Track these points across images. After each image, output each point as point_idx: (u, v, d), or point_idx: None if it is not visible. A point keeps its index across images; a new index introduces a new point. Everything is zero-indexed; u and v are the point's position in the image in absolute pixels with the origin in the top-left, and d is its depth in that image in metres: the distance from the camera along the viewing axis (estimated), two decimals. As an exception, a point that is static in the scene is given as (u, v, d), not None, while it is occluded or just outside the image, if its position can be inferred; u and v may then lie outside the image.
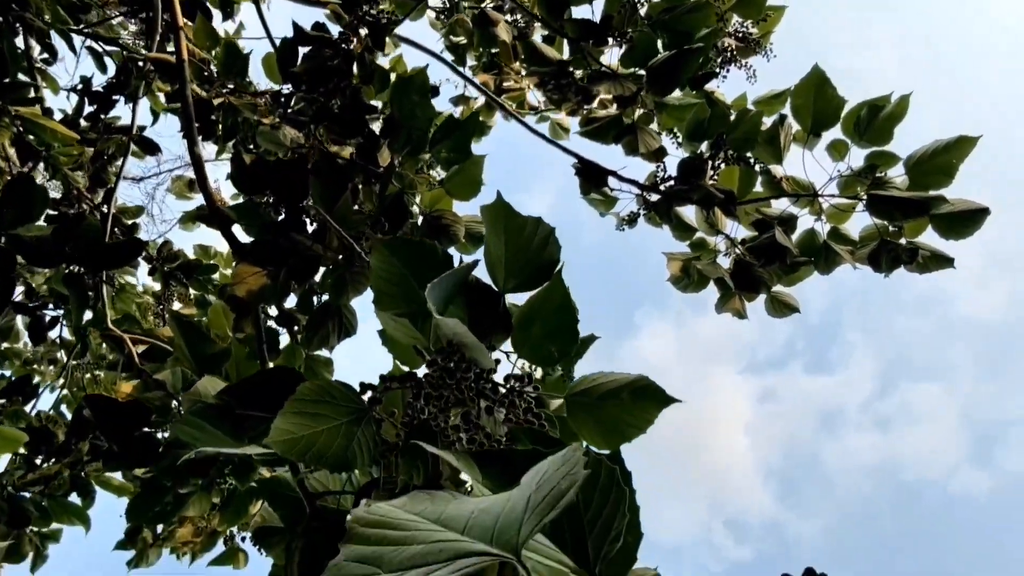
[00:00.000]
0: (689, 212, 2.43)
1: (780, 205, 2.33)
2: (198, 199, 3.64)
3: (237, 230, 1.66)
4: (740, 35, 2.26)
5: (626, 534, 0.65)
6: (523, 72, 2.48)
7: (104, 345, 2.49)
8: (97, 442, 2.11)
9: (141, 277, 3.10)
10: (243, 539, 2.46)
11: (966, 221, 2.11)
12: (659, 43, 1.64)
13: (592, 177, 2.08)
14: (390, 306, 0.85)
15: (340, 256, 1.62)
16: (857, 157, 2.22)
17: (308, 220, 1.74)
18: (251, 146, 2.00)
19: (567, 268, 0.83)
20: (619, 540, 0.64)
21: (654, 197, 2.14)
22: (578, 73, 2.08)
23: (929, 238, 2.23)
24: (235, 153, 1.77)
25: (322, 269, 1.76)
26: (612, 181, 2.19)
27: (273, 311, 2.21)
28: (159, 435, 2.13)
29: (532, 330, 0.85)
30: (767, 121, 2.19)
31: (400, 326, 0.86)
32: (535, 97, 2.79)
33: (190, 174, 3.81)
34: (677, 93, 1.86)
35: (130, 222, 2.94)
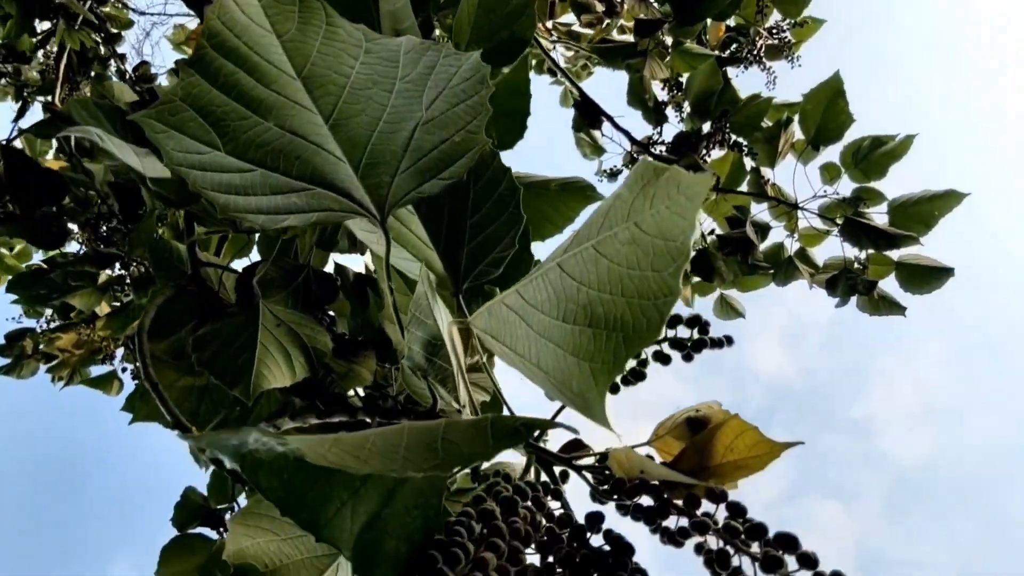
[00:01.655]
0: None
1: (756, 212, 2.30)
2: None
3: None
4: (774, 32, 2.23)
5: (508, 268, 0.58)
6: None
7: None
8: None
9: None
10: (123, 369, 2.34)
11: (929, 276, 2.11)
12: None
13: (589, 114, 2.03)
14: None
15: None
16: (845, 187, 2.22)
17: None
18: None
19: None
20: (497, 268, 0.58)
21: (641, 157, 2.09)
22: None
23: (890, 287, 2.23)
24: None
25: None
26: (605, 130, 2.14)
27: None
28: (67, 226, 2.01)
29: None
30: (769, 123, 2.18)
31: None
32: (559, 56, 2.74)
33: (193, 25, 3.67)
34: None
35: (115, 31, 2.81)
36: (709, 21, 2.16)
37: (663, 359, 0.57)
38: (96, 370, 2.42)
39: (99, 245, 1.89)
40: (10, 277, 1.95)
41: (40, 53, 2.76)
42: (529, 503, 0.47)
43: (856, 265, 2.21)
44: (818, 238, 2.28)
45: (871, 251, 2.15)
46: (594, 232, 0.36)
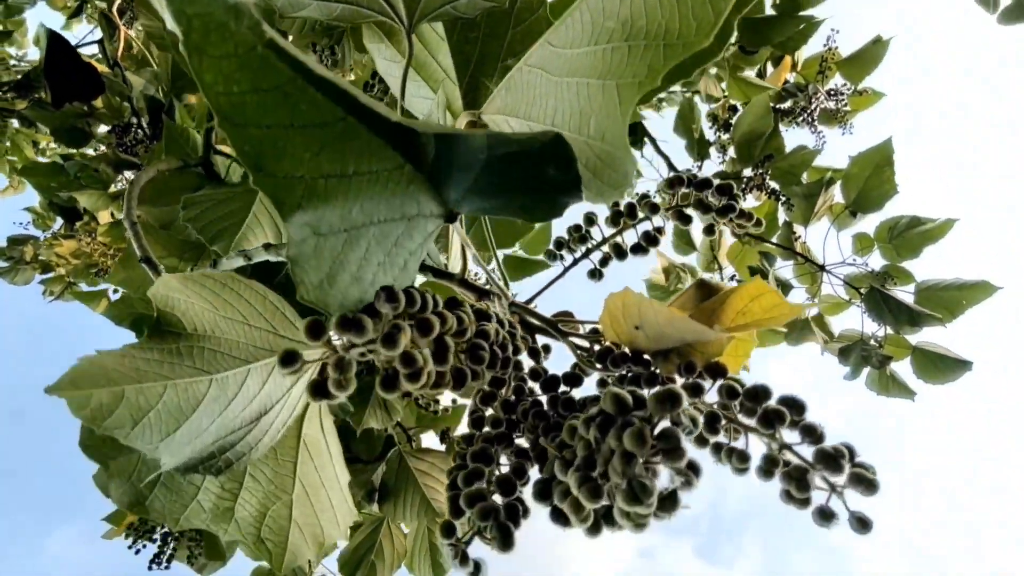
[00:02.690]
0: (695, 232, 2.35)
1: (779, 267, 2.25)
2: None
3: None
4: (834, 94, 2.21)
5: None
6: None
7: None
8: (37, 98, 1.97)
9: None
10: (115, 291, 2.30)
11: (946, 367, 2.04)
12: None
13: (632, 131, 2.00)
14: None
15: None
16: (874, 261, 2.17)
17: None
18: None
19: None
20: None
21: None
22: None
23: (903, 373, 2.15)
24: None
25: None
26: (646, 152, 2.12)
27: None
28: (93, 128, 1.99)
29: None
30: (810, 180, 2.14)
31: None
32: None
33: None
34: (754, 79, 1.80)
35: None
36: (770, 68, 2.15)
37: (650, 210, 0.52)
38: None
39: (121, 151, 1.86)
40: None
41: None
42: (496, 328, 0.41)
43: (872, 341, 2.15)
44: (839, 307, 2.22)
45: (889, 331, 2.09)
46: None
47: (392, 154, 0.31)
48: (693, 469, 0.30)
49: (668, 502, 0.30)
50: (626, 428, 0.29)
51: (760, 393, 0.37)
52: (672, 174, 0.48)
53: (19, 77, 2.03)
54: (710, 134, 2.24)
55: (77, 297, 2.31)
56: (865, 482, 0.35)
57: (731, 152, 2.21)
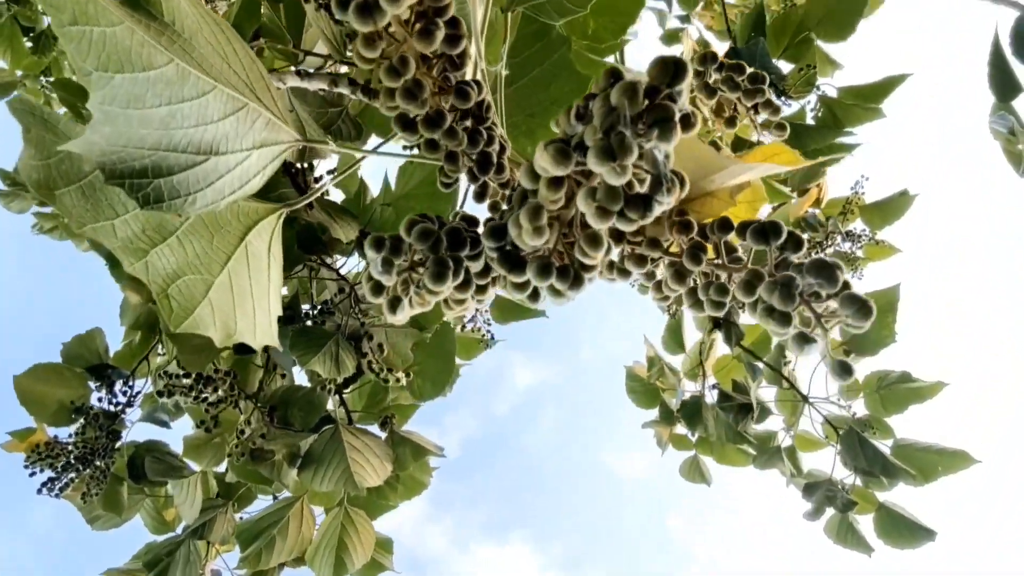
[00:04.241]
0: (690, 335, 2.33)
1: (761, 389, 2.21)
2: None
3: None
4: (851, 236, 2.24)
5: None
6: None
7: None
8: None
9: None
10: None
11: (909, 533, 1.95)
12: (810, 114, 1.63)
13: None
14: None
15: None
16: (858, 407, 2.13)
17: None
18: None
19: None
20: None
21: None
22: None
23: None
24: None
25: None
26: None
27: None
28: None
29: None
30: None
31: None
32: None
33: None
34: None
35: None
36: (794, 195, 2.18)
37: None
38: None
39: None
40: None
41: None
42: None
43: (840, 487, 2.07)
44: (814, 445, 2.16)
45: (858, 482, 2.02)
46: None
47: None
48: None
49: (637, 202, 0.26)
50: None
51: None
52: (705, 51, 0.46)
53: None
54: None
55: (67, 232, 2.27)
56: (858, 303, 0.31)
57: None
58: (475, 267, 0.35)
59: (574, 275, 0.30)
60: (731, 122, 0.46)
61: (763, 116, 0.46)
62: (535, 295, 0.37)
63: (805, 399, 2.08)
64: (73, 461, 1.36)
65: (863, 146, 1.96)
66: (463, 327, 1.88)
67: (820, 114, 1.59)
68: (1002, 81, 1.47)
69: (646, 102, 0.24)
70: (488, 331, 2.00)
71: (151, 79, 0.36)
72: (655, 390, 2.28)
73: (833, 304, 0.32)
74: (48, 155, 0.39)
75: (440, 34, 0.31)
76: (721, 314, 0.36)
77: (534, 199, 0.28)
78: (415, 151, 0.47)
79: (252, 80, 0.44)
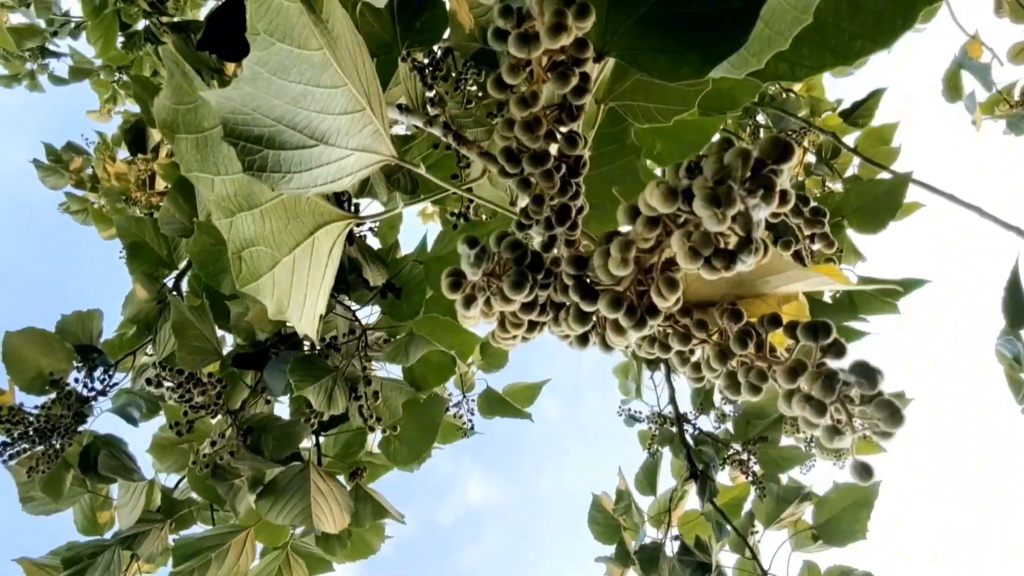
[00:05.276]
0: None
1: (722, 552, 2.16)
2: None
3: None
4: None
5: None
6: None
7: None
8: None
9: None
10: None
11: None
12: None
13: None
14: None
15: None
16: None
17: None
18: None
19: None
20: None
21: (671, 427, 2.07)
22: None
23: None
24: None
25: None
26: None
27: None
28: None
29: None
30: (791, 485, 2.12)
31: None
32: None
33: None
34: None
35: None
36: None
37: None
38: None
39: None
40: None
41: None
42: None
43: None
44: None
45: None
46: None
47: None
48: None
49: (724, 255, 0.28)
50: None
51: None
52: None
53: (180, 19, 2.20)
54: (718, 398, 2.27)
55: (94, 216, 2.31)
56: (891, 409, 0.33)
57: (729, 425, 2.24)
58: (541, 296, 0.37)
59: (640, 316, 0.32)
60: (787, 245, 0.49)
61: (817, 246, 0.50)
62: (583, 340, 0.39)
63: (764, 574, 2.03)
64: (31, 433, 1.33)
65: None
66: (447, 409, 1.87)
67: (838, 295, 1.65)
68: (1015, 309, 1.53)
69: (753, 170, 0.27)
70: (470, 420, 1.99)
71: (301, 57, 0.40)
72: (617, 526, 2.23)
73: (867, 408, 0.34)
74: (180, 101, 0.43)
75: (574, 80, 0.35)
76: (756, 398, 0.37)
77: (622, 237, 0.31)
78: (474, 199, 0.50)
79: (371, 93, 0.48)
